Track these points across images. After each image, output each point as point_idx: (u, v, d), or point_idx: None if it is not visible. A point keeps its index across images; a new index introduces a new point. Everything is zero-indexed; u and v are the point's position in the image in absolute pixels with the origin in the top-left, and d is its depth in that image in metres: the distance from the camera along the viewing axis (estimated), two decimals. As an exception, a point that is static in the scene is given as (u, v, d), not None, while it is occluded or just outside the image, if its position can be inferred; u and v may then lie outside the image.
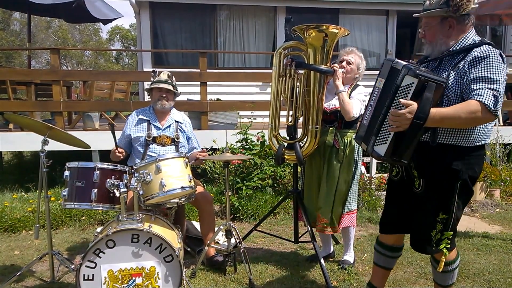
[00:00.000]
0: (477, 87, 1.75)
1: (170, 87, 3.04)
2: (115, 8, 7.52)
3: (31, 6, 6.60)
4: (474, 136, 1.87)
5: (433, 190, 1.94)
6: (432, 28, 1.93)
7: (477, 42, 1.88)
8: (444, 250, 1.98)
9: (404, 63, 1.77)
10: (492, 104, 1.71)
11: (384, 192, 4.55)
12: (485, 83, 1.74)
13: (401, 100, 1.71)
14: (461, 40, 1.91)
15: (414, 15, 2.10)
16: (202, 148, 3.26)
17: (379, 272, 2.38)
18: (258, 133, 4.67)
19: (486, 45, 1.83)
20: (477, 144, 1.90)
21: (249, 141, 4.63)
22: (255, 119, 4.91)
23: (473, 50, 1.84)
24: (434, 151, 1.88)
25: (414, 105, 1.68)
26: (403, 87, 1.72)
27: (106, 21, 7.72)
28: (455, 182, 1.91)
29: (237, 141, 4.64)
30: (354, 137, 2.07)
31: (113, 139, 2.76)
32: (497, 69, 1.76)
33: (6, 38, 22.80)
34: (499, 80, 1.75)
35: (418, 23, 8.04)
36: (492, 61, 1.77)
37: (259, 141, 4.61)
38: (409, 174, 2.03)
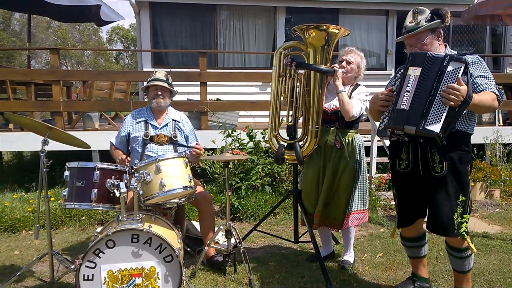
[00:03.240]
0: (483, 82, 2.07)
1: (165, 85, 3.02)
2: (115, 9, 7.54)
3: (47, 7, 6.60)
4: (474, 125, 2.20)
5: (454, 173, 2.15)
6: (426, 41, 2.19)
7: (458, 52, 2.20)
8: (464, 233, 2.17)
9: (443, 53, 2.06)
10: (500, 95, 2.07)
11: (384, 192, 4.60)
12: (487, 80, 2.09)
13: (459, 77, 1.90)
14: (447, 50, 2.21)
15: (397, 39, 2.34)
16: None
17: (417, 263, 2.54)
18: (246, 127, 4.67)
19: (471, 55, 2.18)
20: (472, 132, 2.20)
21: (239, 141, 4.64)
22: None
23: (464, 57, 2.09)
24: (453, 136, 2.07)
25: (465, 85, 1.90)
26: (449, 71, 1.94)
27: (102, 23, 7.72)
28: (468, 165, 2.19)
29: (228, 144, 4.64)
30: (387, 124, 2.08)
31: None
32: (489, 71, 2.14)
33: (7, 38, 22.78)
34: (493, 79, 2.13)
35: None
36: (484, 65, 2.16)
37: (247, 135, 4.60)
38: (426, 161, 2.17)
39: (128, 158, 2.97)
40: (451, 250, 2.29)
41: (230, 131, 4.65)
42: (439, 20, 2.16)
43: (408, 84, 2.04)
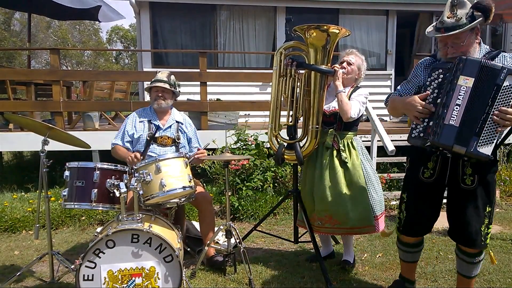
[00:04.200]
0: None
1: (167, 86, 3.00)
2: (116, 9, 7.54)
3: (50, 6, 6.62)
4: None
5: (484, 185, 2.04)
6: (466, 40, 1.93)
7: (492, 49, 2.02)
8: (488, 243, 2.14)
9: (501, 64, 1.85)
10: None
11: (384, 192, 4.58)
12: None
13: None
14: (481, 47, 2.02)
15: (429, 33, 2.03)
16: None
17: (408, 266, 2.49)
18: (253, 135, 4.67)
19: (506, 53, 1.99)
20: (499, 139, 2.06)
21: (244, 142, 4.64)
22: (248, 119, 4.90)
23: (499, 57, 1.96)
24: None
25: None
26: (506, 87, 1.79)
27: (102, 22, 7.75)
28: (494, 174, 2.09)
29: (234, 142, 4.64)
30: (433, 139, 1.87)
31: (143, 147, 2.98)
32: None
33: (8, 39, 22.78)
34: None
35: (417, 24, 8.05)
36: None
37: (254, 144, 4.61)
38: (455, 172, 2.06)
39: (139, 156, 2.82)
40: (461, 254, 2.20)
41: (240, 132, 4.64)
42: (482, 18, 1.88)
43: (459, 97, 1.82)
